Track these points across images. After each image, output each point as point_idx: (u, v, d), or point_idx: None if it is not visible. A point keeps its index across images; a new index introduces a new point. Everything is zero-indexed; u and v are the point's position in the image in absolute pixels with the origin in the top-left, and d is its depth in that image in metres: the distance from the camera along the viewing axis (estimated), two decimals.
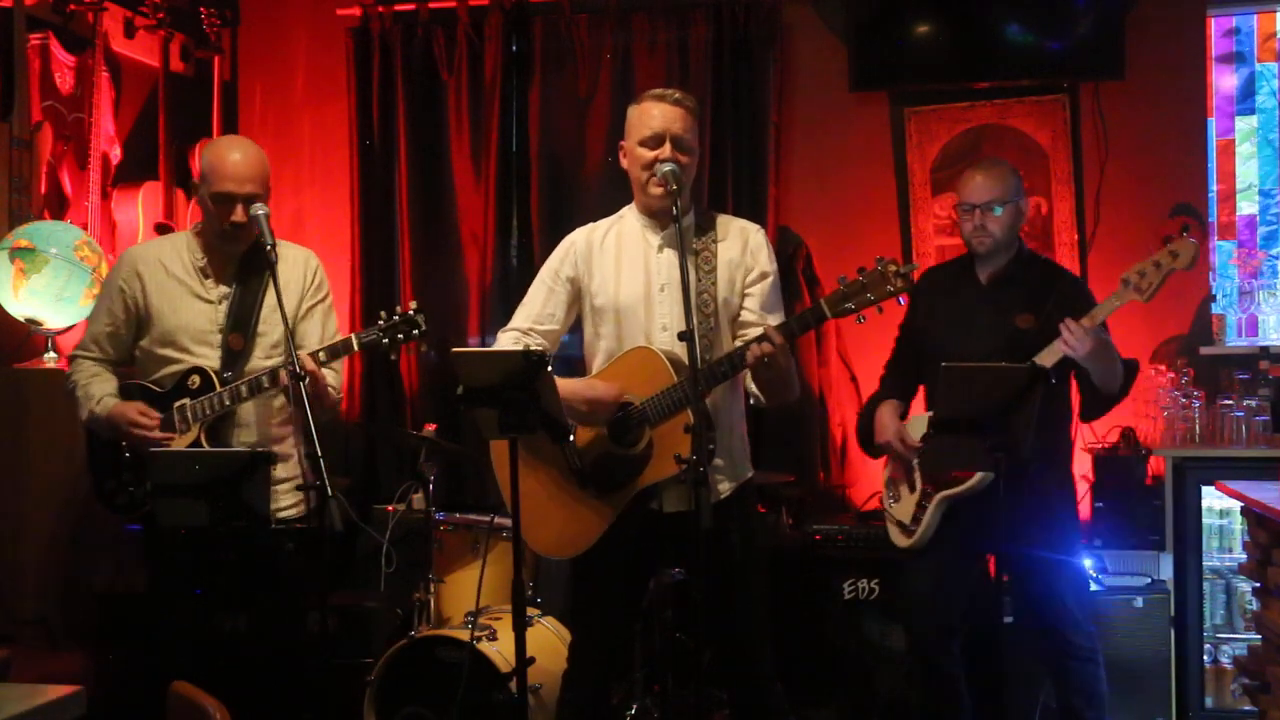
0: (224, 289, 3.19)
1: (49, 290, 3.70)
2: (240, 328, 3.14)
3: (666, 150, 2.89)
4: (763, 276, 2.98)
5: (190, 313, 3.19)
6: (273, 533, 3.10)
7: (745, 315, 2.97)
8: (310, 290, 3.30)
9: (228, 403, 3.11)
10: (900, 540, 3.50)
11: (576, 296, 3.07)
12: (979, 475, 3.23)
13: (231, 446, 3.13)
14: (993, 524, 3.13)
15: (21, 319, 3.76)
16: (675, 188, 2.82)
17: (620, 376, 2.92)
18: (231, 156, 3.13)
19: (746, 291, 2.98)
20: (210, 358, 3.17)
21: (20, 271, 3.66)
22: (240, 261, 3.23)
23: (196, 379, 3.14)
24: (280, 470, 3.15)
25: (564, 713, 3.12)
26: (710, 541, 2.58)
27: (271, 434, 3.19)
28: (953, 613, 3.41)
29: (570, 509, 2.97)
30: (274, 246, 3.02)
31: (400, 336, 3.04)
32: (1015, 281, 3.43)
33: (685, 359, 2.71)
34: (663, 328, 2.94)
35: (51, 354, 3.79)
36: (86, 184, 4.19)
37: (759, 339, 2.73)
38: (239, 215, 3.11)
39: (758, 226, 3.07)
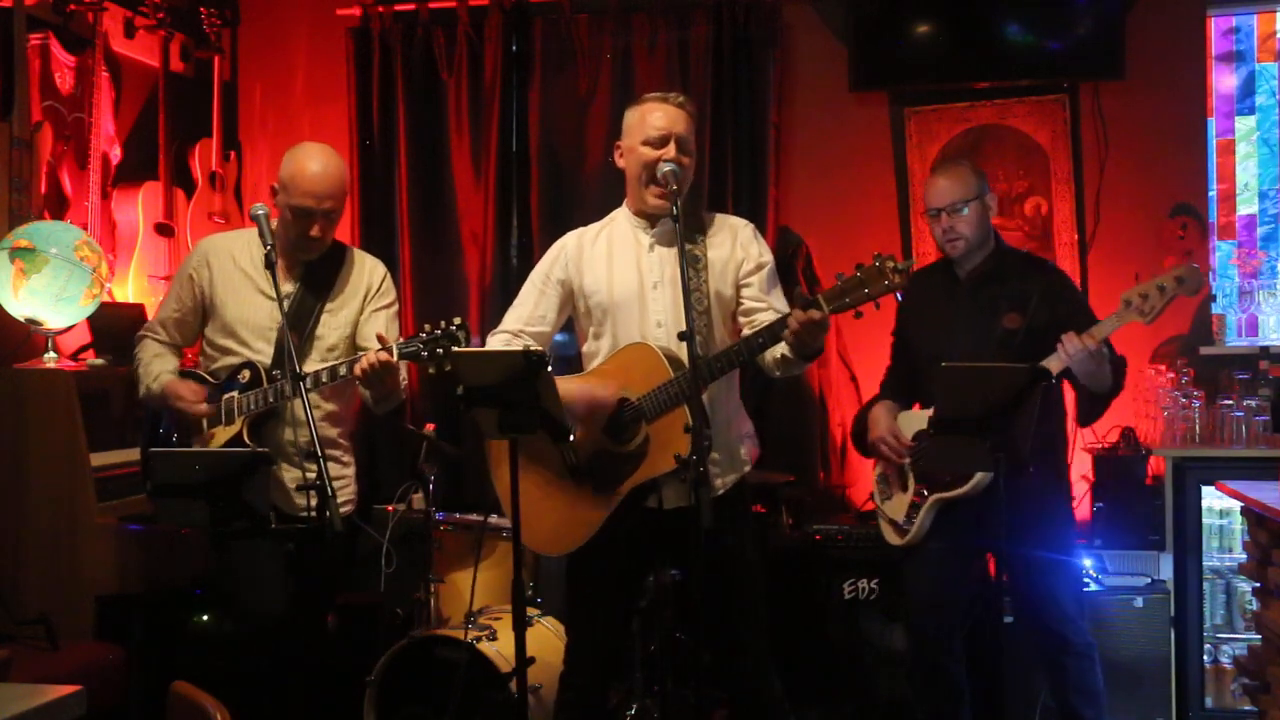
0: (287, 288, 3.22)
1: (49, 290, 3.69)
2: (296, 328, 3.15)
3: (671, 151, 2.91)
4: (758, 267, 3.00)
5: (251, 306, 3.25)
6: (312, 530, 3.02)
7: (748, 304, 2.98)
8: (375, 295, 3.35)
9: (271, 400, 3.13)
10: (893, 538, 3.49)
11: (568, 298, 3.09)
12: (976, 479, 3.22)
13: (274, 443, 3.16)
14: (989, 522, 3.13)
15: (21, 319, 3.75)
16: (675, 188, 2.83)
17: (617, 372, 2.92)
18: (311, 169, 3.16)
19: (743, 283, 2.99)
20: (266, 353, 3.21)
21: (20, 271, 3.66)
22: (307, 264, 3.28)
23: (247, 373, 3.20)
24: (335, 469, 3.16)
25: (561, 715, 3.11)
26: (709, 540, 2.58)
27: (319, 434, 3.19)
28: (954, 611, 3.41)
29: (566, 505, 2.97)
30: (273, 247, 3.01)
31: (440, 351, 2.92)
32: (995, 278, 3.41)
33: (684, 357, 2.70)
34: (657, 324, 2.95)
35: (51, 354, 3.78)
36: (86, 184, 4.19)
37: (804, 304, 2.67)
38: (316, 231, 3.18)
39: (745, 222, 3.09)
